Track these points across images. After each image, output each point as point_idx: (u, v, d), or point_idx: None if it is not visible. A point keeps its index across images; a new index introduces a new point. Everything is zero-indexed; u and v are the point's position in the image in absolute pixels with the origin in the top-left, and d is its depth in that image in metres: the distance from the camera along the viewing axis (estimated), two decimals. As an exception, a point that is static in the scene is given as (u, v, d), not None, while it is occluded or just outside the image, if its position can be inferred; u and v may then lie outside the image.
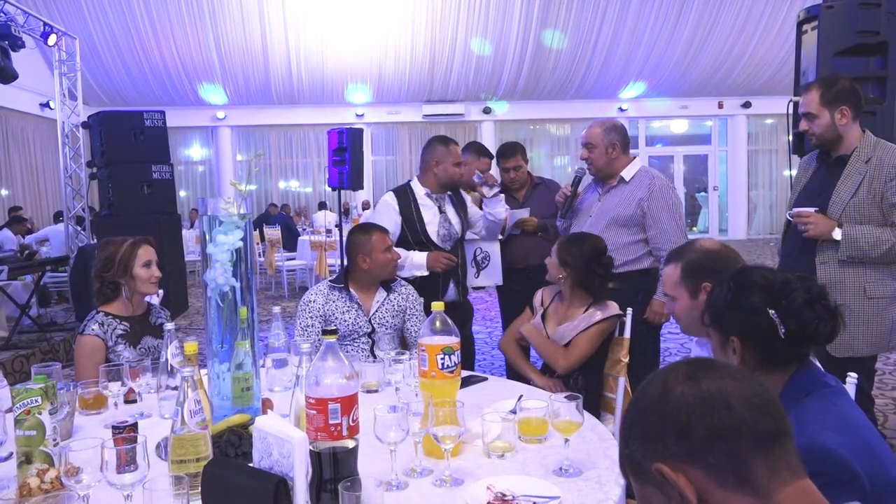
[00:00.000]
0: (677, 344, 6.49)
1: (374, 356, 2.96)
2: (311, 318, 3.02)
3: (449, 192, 3.68)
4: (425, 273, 3.50)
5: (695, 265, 2.00)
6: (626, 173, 3.43)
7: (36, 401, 1.65)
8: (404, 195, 3.62)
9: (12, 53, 7.04)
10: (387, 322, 3.06)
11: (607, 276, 2.89)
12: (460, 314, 3.64)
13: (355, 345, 3.04)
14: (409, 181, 3.71)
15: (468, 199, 3.82)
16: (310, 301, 3.04)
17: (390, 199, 3.60)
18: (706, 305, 1.67)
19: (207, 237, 1.91)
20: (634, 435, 0.96)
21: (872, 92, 3.54)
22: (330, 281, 3.13)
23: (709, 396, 0.91)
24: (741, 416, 0.89)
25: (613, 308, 2.84)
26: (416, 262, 3.48)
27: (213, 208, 1.92)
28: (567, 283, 2.90)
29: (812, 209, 2.85)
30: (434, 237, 3.55)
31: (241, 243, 1.90)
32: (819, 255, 2.87)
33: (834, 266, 2.83)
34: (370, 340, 3.05)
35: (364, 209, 14.70)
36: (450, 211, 3.64)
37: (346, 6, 13.78)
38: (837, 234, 2.79)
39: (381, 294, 3.09)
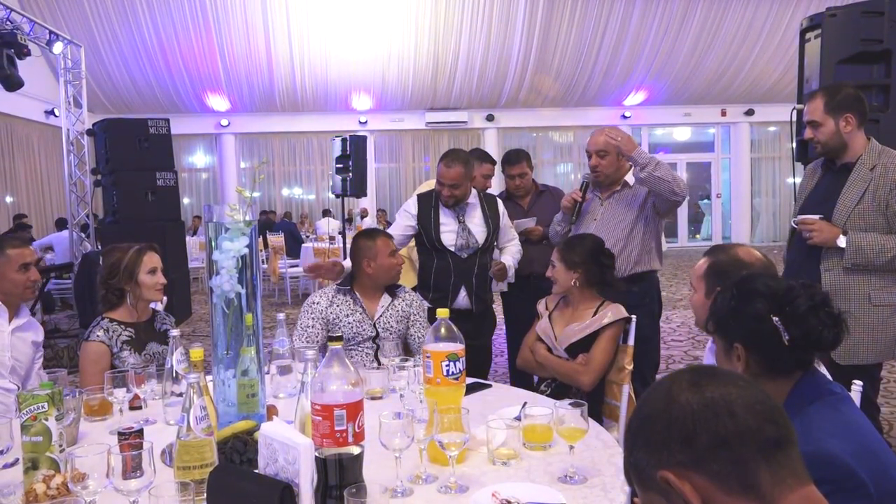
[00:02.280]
0: (681, 351, 6.48)
1: (379, 361, 2.98)
2: (313, 319, 3.03)
3: (481, 201, 3.68)
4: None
5: (718, 267, 2.02)
6: (629, 178, 3.53)
7: (42, 407, 1.66)
8: (428, 201, 3.66)
9: (18, 61, 7.07)
10: (391, 327, 3.07)
11: (612, 266, 2.99)
12: (480, 324, 3.64)
13: (360, 349, 3.05)
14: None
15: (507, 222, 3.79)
16: (313, 303, 3.06)
17: (412, 203, 3.69)
18: (710, 312, 1.67)
19: (213, 244, 1.92)
20: (639, 443, 0.96)
21: (876, 100, 3.54)
22: (336, 284, 3.16)
23: (712, 404, 0.91)
24: (745, 423, 0.90)
25: (622, 311, 2.85)
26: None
27: (218, 215, 1.93)
28: (578, 284, 2.90)
29: (817, 216, 2.86)
30: (449, 245, 3.58)
31: (246, 250, 1.91)
32: (824, 263, 2.87)
33: (839, 273, 2.82)
34: (374, 345, 3.06)
35: (363, 217, 14.70)
36: (473, 221, 3.63)
37: (350, 14, 13.84)
38: (842, 241, 2.78)
39: (385, 299, 3.11)
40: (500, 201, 3.81)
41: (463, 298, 3.56)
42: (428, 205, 3.65)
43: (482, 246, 3.61)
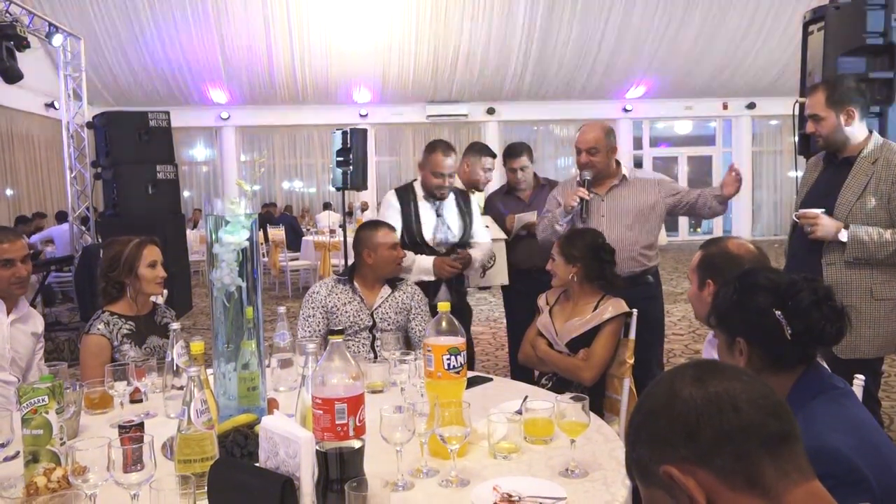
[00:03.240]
0: (682, 345, 6.48)
1: (375, 352, 2.99)
2: (313, 308, 3.07)
3: (457, 195, 3.69)
4: (432, 278, 3.53)
5: (708, 259, 2.06)
6: (624, 172, 3.54)
7: (43, 400, 1.65)
8: (406, 194, 3.65)
9: (18, 54, 7.04)
10: (389, 318, 3.08)
11: (613, 262, 2.97)
12: (459, 317, 3.66)
13: (356, 339, 3.07)
14: (414, 180, 3.75)
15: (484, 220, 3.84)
16: (314, 292, 3.11)
17: (392, 199, 3.66)
18: (712, 306, 1.67)
19: (214, 237, 1.91)
20: (642, 437, 0.96)
21: (879, 93, 3.52)
22: (336, 274, 3.18)
23: (716, 398, 0.91)
24: (749, 417, 0.89)
25: (623, 305, 2.85)
26: (423, 266, 3.52)
27: (219, 208, 1.92)
28: (577, 279, 2.90)
29: (818, 210, 2.85)
30: (429, 240, 3.58)
31: (247, 243, 1.90)
32: (825, 257, 2.86)
33: (840, 267, 2.82)
34: (371, 335, 3.07)
35: (363, 210, 14.69)
36: (450, 215, 3.65)
37: (350, 6, 13.79)
38: (843, 235, 2.78)
39: (385, 291, 3.13)
40: (472, 197, 3.85)
41: (444, 293, 3.57)
42: (407, 199, 3.63)
43: (459, 241, 3.63)
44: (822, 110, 2.85)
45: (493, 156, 4.32)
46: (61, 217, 10.32)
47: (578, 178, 3.58)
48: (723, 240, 2.12)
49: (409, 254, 3.46)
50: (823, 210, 2.85)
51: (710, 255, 2.06)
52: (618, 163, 3.57)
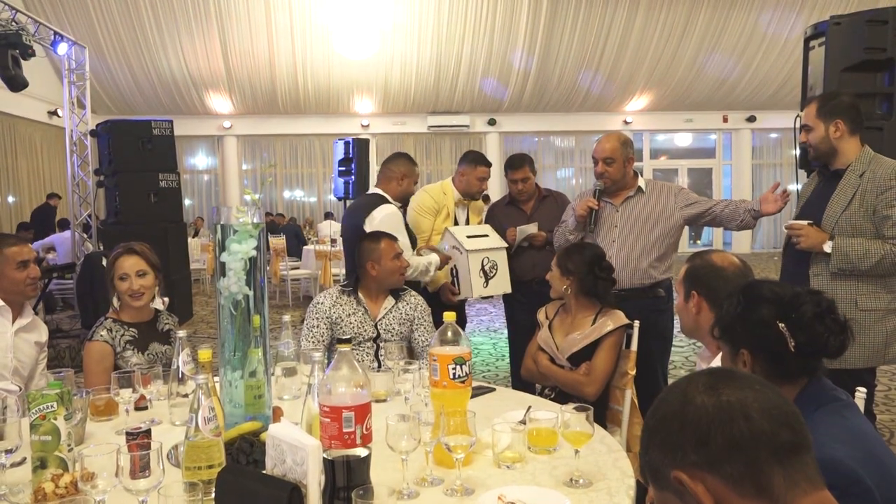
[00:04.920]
0: (682, 357, 6.49)
1: (379, 362, 3.00)
2: (318, 319, 3.09)
3: None
4: (433, 272, 3.75)
5: (692, 272, 2.10)
6: (640, 183, 3.55)
7: (51, 406, 1.66)
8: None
9: (22, 62, 7.09)
10: (393, 329, 3.10)
11: (609, 279, 2.97)
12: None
13: (360, 349, 3.08)
14: (377, 193, 3.89)
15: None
16: (318, 303, 3.13)
17: (396, 210, 3.79)
18: (716, 318, 1.68)
19: (221, 246, 1.93)
20: (655, 442, 0.98)
21: (880, 108, 3.55)
22: (341, 285, 3.23)
23: (728, 407, 0.92)
24: (760, 427, 0.91)
25: (622, 317, 2.86)
26: (433, 261, 3.72)
27: (226, 217, 1.94)
28: (571, 292, 2.92)
29: (805, 222, 2.89)
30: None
31: (254, 252, 1.92)
32: (812, 268, 2.90)
33: (826, 278, 2.85)
34: (375, 346, 3.09)
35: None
36: None
37: (353, 17, 13.86)
38: (828, 246, 2.81)
39: (389, 301, 3.14)
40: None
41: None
42: None
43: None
44: (813, 121, 2.91)
45: (489, 165, 4.30)
46: (63, 225, 10.35)
47: (595, 187, 3.62)
48: (707, 253, 2.16)
49: (414, 258, 3.64)
50: (811, 221, 2.88)
51: (694, 267, 2.10)
52: (636, 174, 3.58)
